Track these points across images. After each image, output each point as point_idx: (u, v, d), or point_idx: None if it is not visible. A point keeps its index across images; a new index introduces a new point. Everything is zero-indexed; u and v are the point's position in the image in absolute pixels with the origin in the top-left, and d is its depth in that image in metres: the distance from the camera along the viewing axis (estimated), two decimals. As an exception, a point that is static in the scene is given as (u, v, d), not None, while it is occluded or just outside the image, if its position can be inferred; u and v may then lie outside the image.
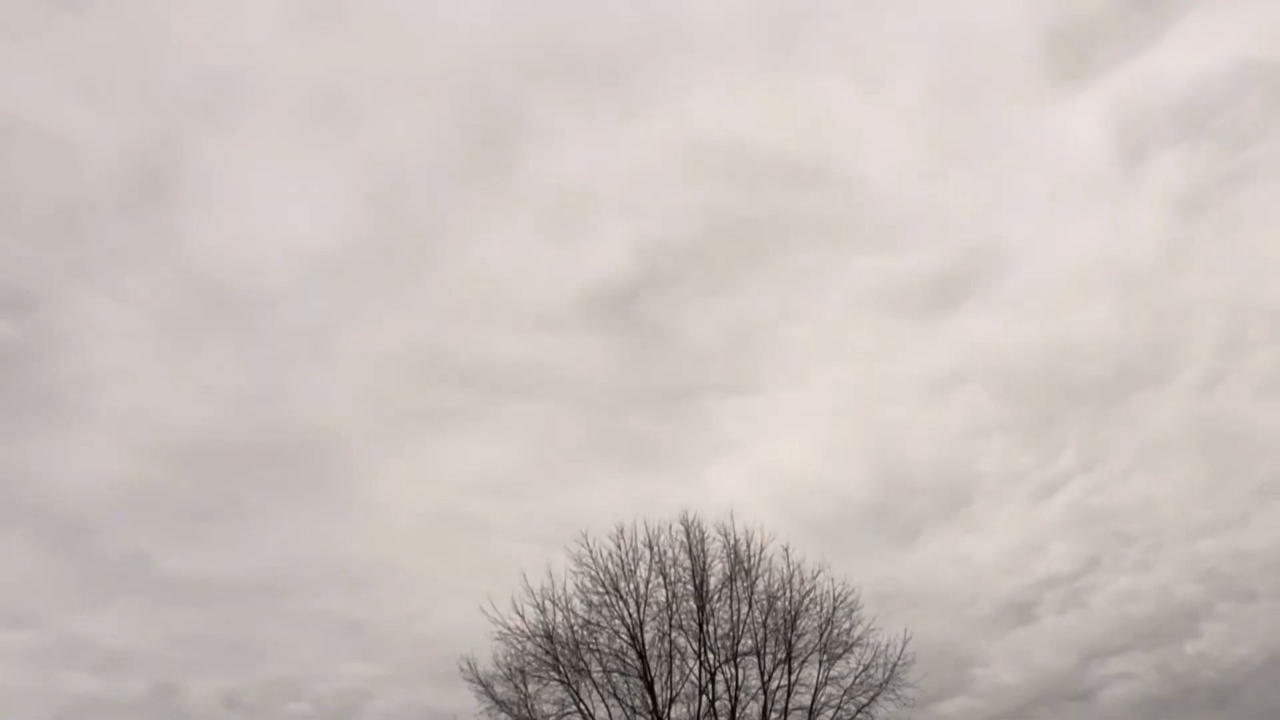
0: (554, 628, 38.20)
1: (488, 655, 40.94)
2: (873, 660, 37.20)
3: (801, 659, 37.71)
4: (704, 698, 37.70)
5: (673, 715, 37.84)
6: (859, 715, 36.31)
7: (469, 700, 42.23)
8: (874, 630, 37.93)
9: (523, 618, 39.34)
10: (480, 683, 37.54)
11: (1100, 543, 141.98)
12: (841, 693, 37.08)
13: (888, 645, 37.99)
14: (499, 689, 37.44)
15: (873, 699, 36.38)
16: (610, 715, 37.42)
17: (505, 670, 37.56)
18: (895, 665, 36.60)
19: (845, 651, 37.22)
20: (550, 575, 39.17)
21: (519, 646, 37.89)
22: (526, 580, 39.62)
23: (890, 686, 36.52)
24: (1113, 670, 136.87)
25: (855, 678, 37.10)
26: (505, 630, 38.23)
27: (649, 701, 37.82)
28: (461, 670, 40.62)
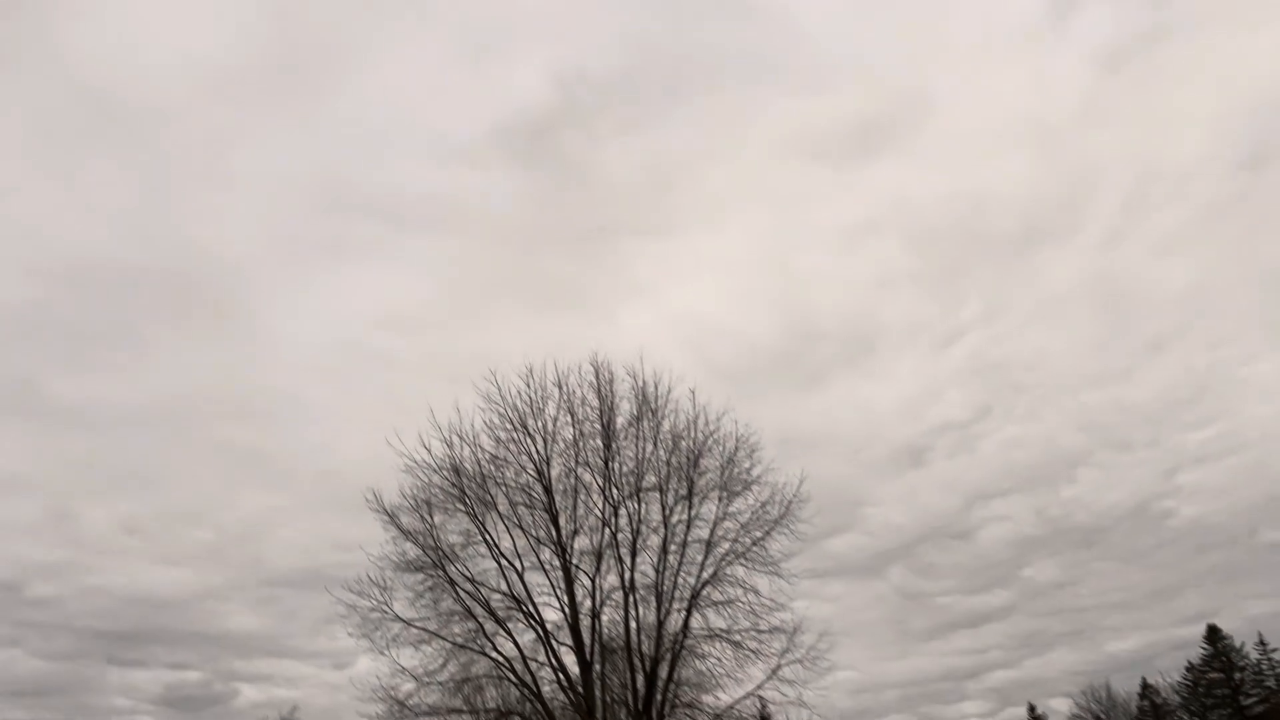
0: (461, 462, 38.59)
1: (394, 487, 41.23)
2: (770, 498, 38.76)
3: (702, 496, 39.02)
4: (607, 530, 38.89)
5: (576, 546, 39.06)
6: (754, 548, 38.07)
7: (375, 531, 42.64)
8: (773, 470, 39.37)
9: (430, 452, 39.68)
10: (387, 513, 37.96)
11: (993, 392, 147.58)
12: (738, 527, 38.67)
13: (785, 484, 39.49)
14: (405, 520, 37.96)
15: (767, 533, 38.05)
16: (515, 546, 38.45)
17: (411, 502, 38.01)
18: (791, 503, 38.22)
19: (744, 489, 38.63)
20: (458, 411, 39.29)
21: (425, 479, 38.27)
22: (434, 416, 39.60)
23: (785, 522, 38.20)
24: (994, 512, 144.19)
25: (752, 514, 38.70)
26: (412, 463, 38.48)
27: (553, 533, 38.86)
28: (368, 501, 40.94)
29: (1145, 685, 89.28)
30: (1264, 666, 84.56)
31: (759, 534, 38.06)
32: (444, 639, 37.21)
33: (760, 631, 36.88)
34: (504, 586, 38.17)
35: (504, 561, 38.31)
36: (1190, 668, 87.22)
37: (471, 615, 37.56)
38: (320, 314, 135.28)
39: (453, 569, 37.81)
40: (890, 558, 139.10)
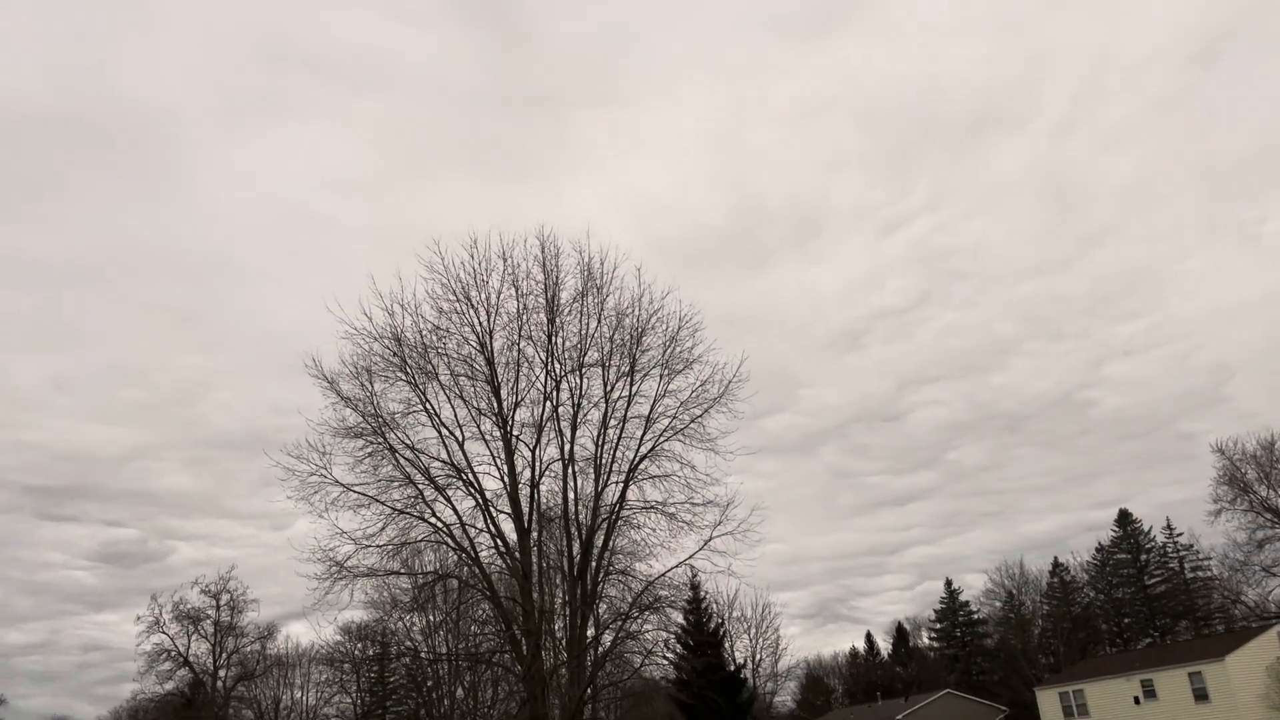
0: (402, 331, 38.41)
1: (334, 354, 41.04)
2: (710, 377, 39.35)
3: (644, 373, 39.49)
4: (548, 404, 39.27)
5: (517, 418, 39.47)
6: (692, 425, 38.83)
7: (314, 396, 42.45)
8: (714, 350, 39.86)
9: (370, 320, 39.41)
10: (326, 380, 37.83)
11: (934, 280, 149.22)
12: (678, 405, 39.34)
13: (725, 364, 40.05)
14: (345, 387, 37.89)
15: (706, 411, 38.78)
16: (456, 416, 38.72)
17: (351, 369, 37.91)
18: (730, 382, 38.87)
19: (685, 368, 39.14)
20: (400, 280, 38.80)
21: (365, 347, 38.10)
22: (375, 283, 39.12)
23: (724, 401, 38.92)
24: (926, 397, 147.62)
25: (692, 392, 39.35)
26: (352, 331, 38.21)
27: (495, 405, 39.17)
28: (307, 367, 40.69)
29: (1056, 563, 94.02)
30: (1169, 550, 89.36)
31: (698, 411, 38.79)
32: (383, 504, 37.71)
33: (695, 504, 37.97)
34: (444, 455, 38.61)
35: (444, 431, 38.64)
36: (1100, 549, 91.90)
37: (411, 482, 38.03)
38: (257, 173, 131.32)
39: (393, 436, 38.05)
40: (823, 438, 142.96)
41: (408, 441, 38.33)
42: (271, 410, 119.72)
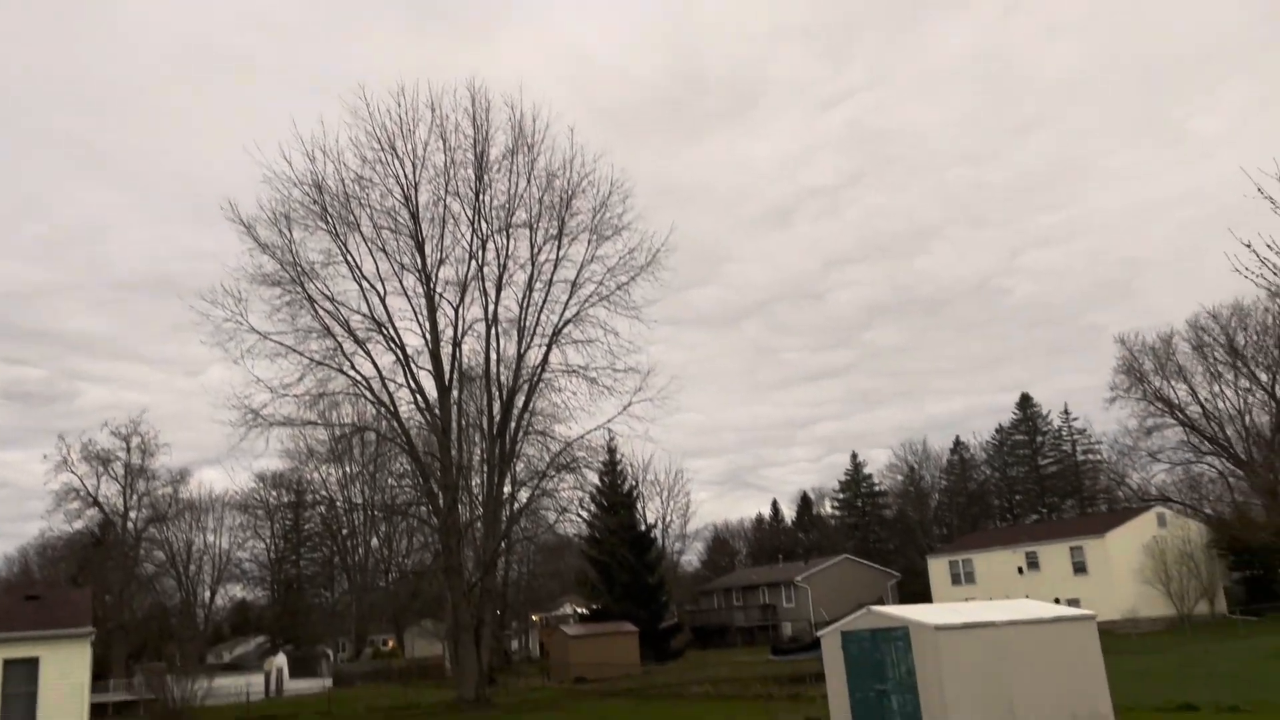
0: (323, 179, 37.32)
1: (252, 199, 39.63)
2: (639, 245, 39.28)
3: (572, 237, 39.17)
4: (473, 262, 38.83)
5: (441, 275, 38.98)
6: (618, 292, 38.87)
7: (230, 241, 41.00)
8: (644, 218, 39.84)
9: (290, 165, 38.10)
10: (243, 224, 36.76)
11: (866, 160, 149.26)
12: (605, 271, 39.30)
13: (654, 233, 40.04)
14: (262, 233, 36.88)
15: (632, 279, 38.84)
16: (378, 269, 38.06)
17: (270, 215, 36.87)
18: (658, 252, 38.90)
19: (614, 234, 38.95)
20: (322, 125, 37.61)
21: (285, 193, 37.01)
22: (296, 126, 37.65)
23: (651, 270, 38.98)
24: (849, 277, 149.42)
25: (620, 259, 39.30)
26: (271, 175, 36.96)
27: (418, 260, 38.54)
28: (223, 210, 39.40)
29: (958, 442, 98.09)
30: (1064, 433, 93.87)
31: (624, 279, 38.83)
32: (301, 354, 37.34)
33: (616, 370, 38.44)
34: (365, 308, 38.16)
35: (366, 284, 38.05)
36: (1000, 430, 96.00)
37: (330, 334, 37.60)
38: (176, 6, 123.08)
39: (312, 286, 37.36)
40: (746, 313, 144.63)
41: (327, 293, 37.71)
42: (185, 254, 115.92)
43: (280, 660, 53.70)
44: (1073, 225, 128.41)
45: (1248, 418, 63.63)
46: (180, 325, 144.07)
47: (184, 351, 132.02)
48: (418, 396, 38.77)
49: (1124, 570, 52.25)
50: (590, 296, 39.04)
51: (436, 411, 38.82)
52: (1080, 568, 54.50)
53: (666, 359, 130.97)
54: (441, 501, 38.42)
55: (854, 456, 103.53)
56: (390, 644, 71.62)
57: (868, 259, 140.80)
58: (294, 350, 37.20)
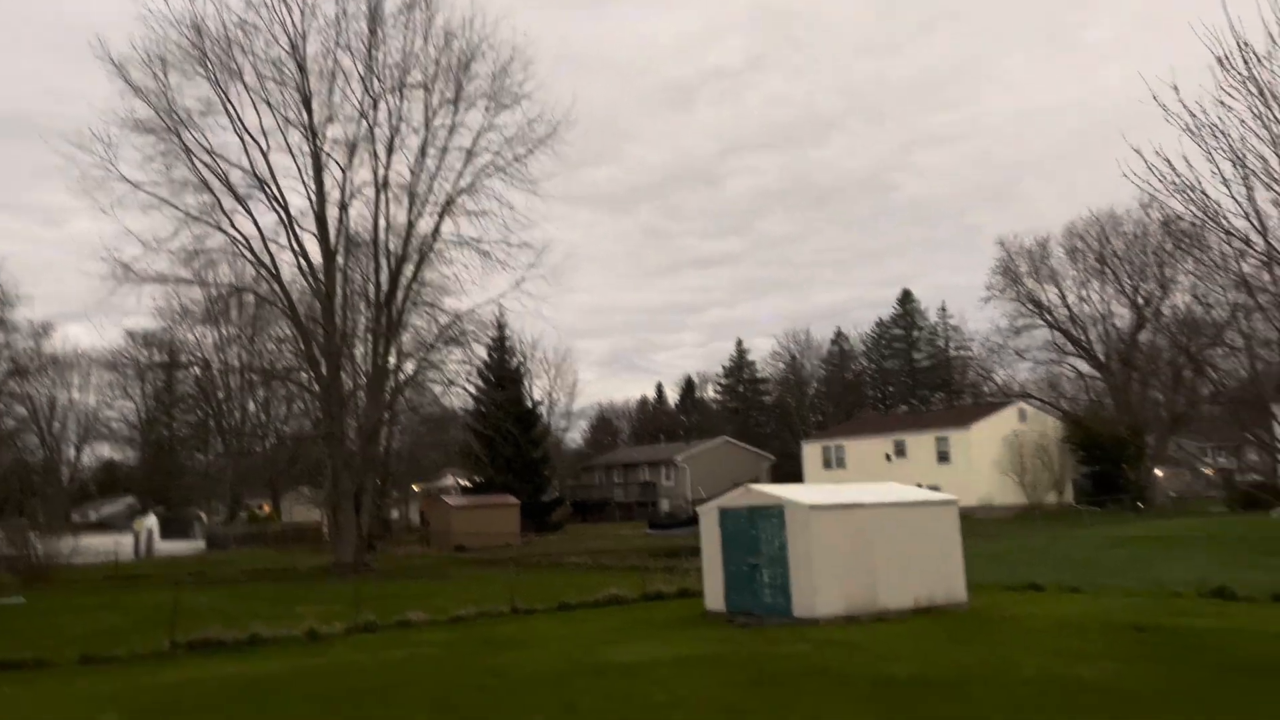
0: (203, 20, 35.16)
1: (124, 38, 36.89)
2: (538, 116, 38.26)
3: (469, 103, 37.85)
4: (364, 123, 37.27)
5: (329, 134, 37.30)
6: (515, 164, 37.95)
7: (100, 83, 38.84)
8: (545, 88, 38.70)
9: (166, 2, 35.57)
10: (113, 63, 34.37)
11: (772, 44, 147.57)
12: (502, 141, 38.24)
13: (555, 104, 39.00)
14: (135, 74, 34.56)
15: (531, 151, 37.95)
16: (261, 123, 36.16)
17: (144, 55, 34.53)
18: (559, 124, 37.99)
19: (514, 103, 37.80)
20: (203, -39, 34.80)
21: (160, 33, 34.71)
22: (173, -42, 34.84)
23: (549, 143, 38.12)
24: (745, 164, 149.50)
25: (518, 129, 38.24)
26: (147, 12, 34.50)
27: (305, 116, 36.79)
28: (91, 48, 36.56)
29: (839, 333, 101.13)
30: (939, 329, 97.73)
31: (522, 151, 37.90)
32: (176, 208, 35.61)
33: (510, 245, 37.85)
34: (246, 163, 36.40)
35: (248, 137, 36.18)
36: (879, 323, 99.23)
37: (208, 188, 35.83)
38: None
39: (189, 136, 35.37)
40: (642, 195, 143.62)
41: (206, 144, 35.77)
42: (46, 95, 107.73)
43: (151, 521, 52.69)
44: (965, 126, 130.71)
45: (1109, 323, 67.19)
46: (43, 170, 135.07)
47: (46, 199, 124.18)
48: (301, 260, 37.51)
49: (984, 461, 55.32)
50: (486, 167, 38.05)
51: (320, 276, 37.68)
52: (944, 457, 57.46)
53: (560, 237, 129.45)
54: (324, 369, 37.66)
55: (739, 343, 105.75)
56: (266, 509, 71.01)
57: (766, 146, 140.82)
58: (168, 203, 35.40)
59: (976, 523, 43.23)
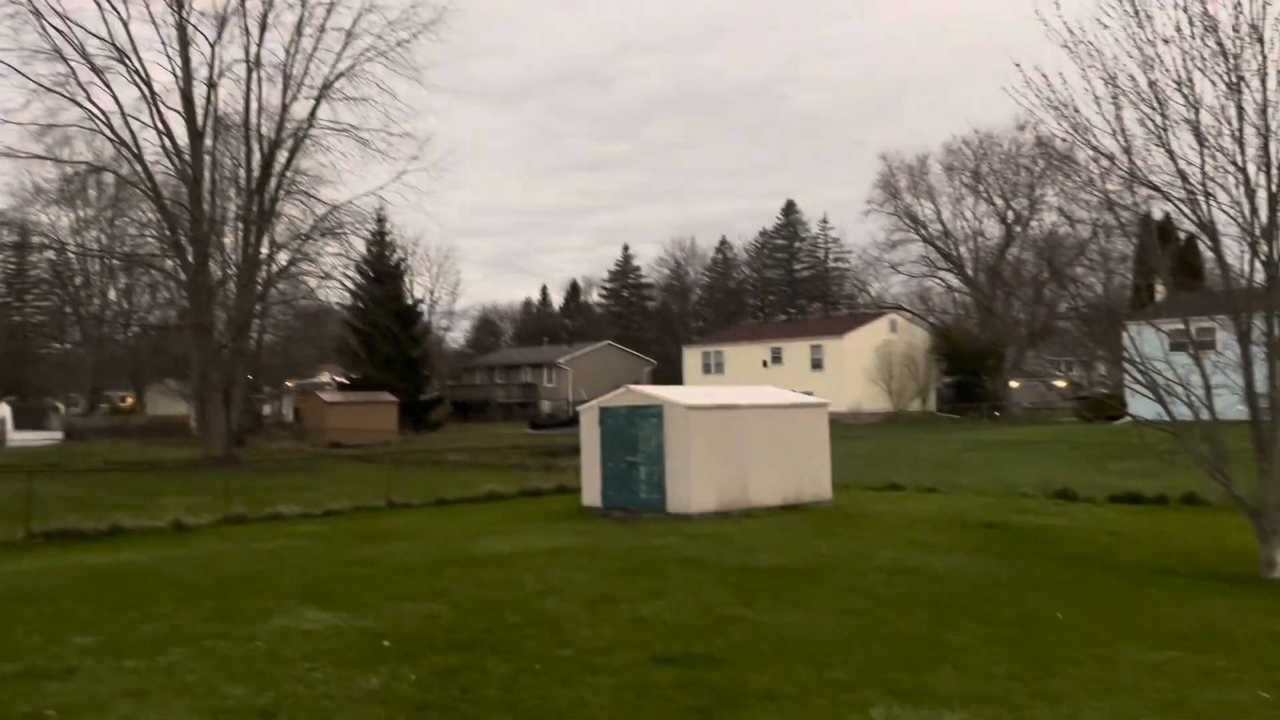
0: None
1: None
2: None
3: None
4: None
5: (195, 5, 35.07)
6: (398, 49, 36.39)
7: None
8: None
9: None
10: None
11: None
12: (385, 23, 36.75)
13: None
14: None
15: (414, 36, 36.53)
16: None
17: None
18: (445, 9, 36.90)
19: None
20: None
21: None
22: None
23: (434, 28, 36.93)
24: (637, 65, 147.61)
25: (401, 11, 36.87)
26: None
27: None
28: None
29: (723, 242, 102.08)
30: (820, 241, 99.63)
31: (405, 35, 36.41)
32: (26, 77, 33.19)
33: (391, 134, 36.56)
34: (105, 32, 33.95)
35: (105, 3, 33.62)
36: (763, 233, 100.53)
37: (62, 57, 33.36)
38: None
39: (39, -1, 32.58)
40: (531, 93, 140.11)
41: (59, 9, 33.11)
42: None
43: (3, 410, 50.17)
44: (855, 40, 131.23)
45: (980, 239, 69.67)
46: None
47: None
48: (165, 139, 35.46)
49: (855, 369, 57.26)
50: (367, 50, 36.42)
51: (187, 158, 35.75)
52: (818, 364, 59.21)
53: (445, 132, 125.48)
54: (191, 256, 36.03)
55: (625, 249, 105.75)
56: (129, 401, 68.40)
57: (657, 50, 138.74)
58: (17, 71, 32.89)
59: (845, 427, 44.85)
